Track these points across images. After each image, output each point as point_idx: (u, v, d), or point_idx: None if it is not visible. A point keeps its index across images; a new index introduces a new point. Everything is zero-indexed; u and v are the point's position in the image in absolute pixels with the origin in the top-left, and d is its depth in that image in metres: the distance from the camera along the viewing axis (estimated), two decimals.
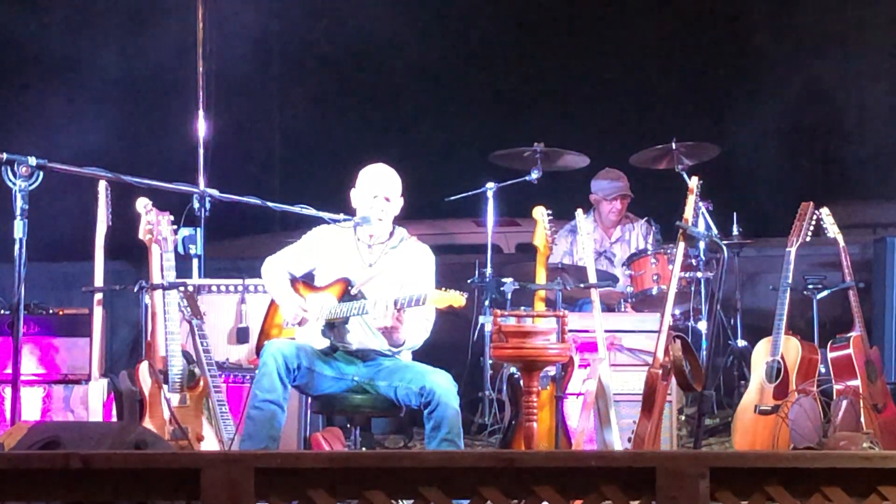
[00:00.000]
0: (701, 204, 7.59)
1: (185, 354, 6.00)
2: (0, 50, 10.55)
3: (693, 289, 7.81)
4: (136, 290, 6.14)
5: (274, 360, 5.78)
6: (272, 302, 6.27)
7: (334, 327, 6.02)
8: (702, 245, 7.79)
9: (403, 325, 5.86)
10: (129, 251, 7.38)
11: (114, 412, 6.62)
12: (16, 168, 4.80)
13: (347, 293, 6.02)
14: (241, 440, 5.84)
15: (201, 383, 6.01)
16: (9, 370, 5.25)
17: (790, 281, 6.94)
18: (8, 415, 6.19)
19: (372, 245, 6.16)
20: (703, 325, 7.82)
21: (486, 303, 7.82)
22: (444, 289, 5.76)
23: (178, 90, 9.57)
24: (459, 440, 5.82)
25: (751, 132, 11.98)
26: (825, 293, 7.64)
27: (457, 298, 5.70)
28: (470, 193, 8.28)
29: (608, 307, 7.64)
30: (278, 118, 13.60)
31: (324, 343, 5.97)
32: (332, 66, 13.13)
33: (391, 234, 6.19)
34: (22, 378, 5.43)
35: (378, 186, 6.11)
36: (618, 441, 6.35)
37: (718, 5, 12.52)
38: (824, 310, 7.75)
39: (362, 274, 6.10)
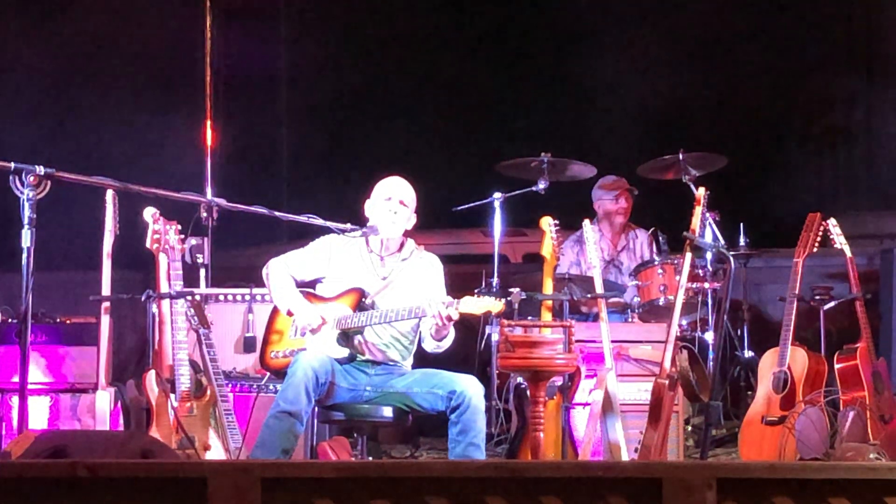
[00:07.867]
0: (708, 214, 7.59)
1: (192, 363, 6.00)
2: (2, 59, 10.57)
3: (700, 299, 7.81)
4: (143, 299, 6.14)
5: (304, 373, 5.77)
6: (274, 308, 6.26)
7: (348, 337, 6.03)
8: (709, 256, 7.79)
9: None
10: (136, 260, 7.37)
11: (121, 421, 6.62)
12: (24, 177, 4.80)
13: (362, 303, 6.03)
14: (254, 447, 5.84)
15: (208, 392, 6.00)
16: (16, 379, 5.25)
17: (797, 292, 6.93)
18: (15, 423, 6.20)
19: (384, 257, 6.17)
20: (709, 336, 7.82)
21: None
22: (477, 295, 5.80)
23: (185, 99, 9.58)
24: (484, 445, 5.83)
25: (758, 142, 11.98)
26: (832, 304, 7.65)
27: (493, 304, 5.73)
28: (477, 204, 8.26)
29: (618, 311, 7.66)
30: (286, 128, 13.60)
31: (340, 352, 5.97)
32: (341, 77, 13.13)
33: (401, 246, 6.20)
34: (29, 387, 5.42)
35: (394, 191, 6.14)
36: (624, 451, 6.34)
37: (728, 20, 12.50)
38: (831, 321, 7.74)
39: (375, 286, 6.10)
